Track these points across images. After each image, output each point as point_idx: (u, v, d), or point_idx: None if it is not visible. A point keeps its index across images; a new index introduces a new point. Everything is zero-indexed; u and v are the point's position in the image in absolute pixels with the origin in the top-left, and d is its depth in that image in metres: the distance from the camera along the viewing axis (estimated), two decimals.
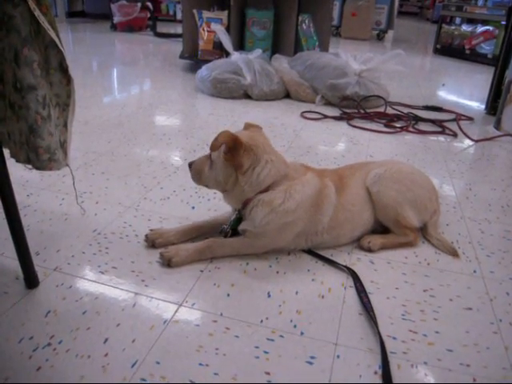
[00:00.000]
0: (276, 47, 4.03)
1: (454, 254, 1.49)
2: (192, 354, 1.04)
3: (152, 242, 1.42)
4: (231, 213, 1.48)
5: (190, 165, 1.46)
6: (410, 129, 2.84)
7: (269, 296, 1.25)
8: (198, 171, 1.43)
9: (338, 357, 1.05)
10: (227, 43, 3.54)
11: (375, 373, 1.01)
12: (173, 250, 1.35)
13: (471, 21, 6.40)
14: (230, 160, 1.32)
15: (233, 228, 1.44)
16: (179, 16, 7.73)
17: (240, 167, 1.32)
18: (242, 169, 1.32)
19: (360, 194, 1.50)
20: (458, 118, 3.07)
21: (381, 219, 1.53)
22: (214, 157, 1.37)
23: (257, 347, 1.07)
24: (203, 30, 3.98)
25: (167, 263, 1.33)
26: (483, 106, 3.45)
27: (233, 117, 2.93)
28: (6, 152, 1.09)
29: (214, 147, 1.30)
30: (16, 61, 0.95)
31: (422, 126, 2.91)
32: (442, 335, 1.14)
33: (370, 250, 1.47)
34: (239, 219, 1.42)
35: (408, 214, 1.49)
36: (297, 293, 1.27)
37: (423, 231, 1.58)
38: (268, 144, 1.40)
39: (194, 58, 4.16)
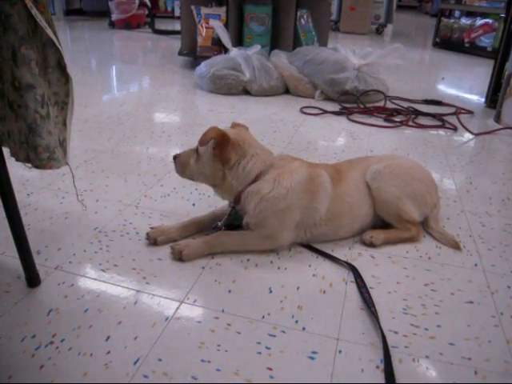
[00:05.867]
0: (275, 43, 4.01)
1: (456, 247, 1.49)
2: (194, 350, 1.04)
3: (154, 240, 1.42)
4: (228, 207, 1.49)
5: (175, 157, 1.47)
6: (410, 123, 2.84)
7: (270, 292, 1.25)
8: (184, 164, 1.45)
9: (340, 352, 1.06)
10: (226, 39, 3.53)
11: (377, 367, 1.02)
12: (183, 243, 1.37)
13: (470, 14, 6.38)
14: (218, 155, 1.35)
15: (228, 224, 1.45)
16: (177, 12, 7.72)
17: (227, 162, 1.36)
18: (230, 163, 1.36)
19: (358, 187, 1.50)
20: (458, 111, 3.07)
21: (382, 215, 1.53)
22: (202, 151, 1.39)
23: (259, 343, 1.07)
24: (201, 26, 3.96)
25: (178, 257, 1.34)
26: (483, 100, 3.44)
27: (232, 113, 2.93)
28: (6, 151, 1.09)
29: (202, 142, 1.35)
30: (14, 59, 0.95)
31: (422, 120, 2.91)
32: (444, 329, 1.14)
33: (372, 245, 1.47)
34: (234, 215, 1.44)
35: (409, 208, 1.49)
36: (298, 288, 1.27)
37: (424, 225, 1.58)
38: (254, 140, 1.45)
39: (193, 55, 4.15)
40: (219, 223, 1.46)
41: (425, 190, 1.55)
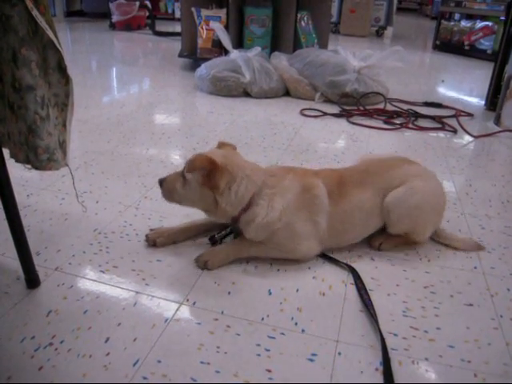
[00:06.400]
0: (275, 45, 4.02)
1: (479, 248, 1.49)
2: (193, 352, 1.04)
3: (153, 242, 1.42)
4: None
5: (161, 182, 1.39)
6: (410, 125, 2.84)
7: (270, 294, 1.25)
8: (171, 189, 1.37)
9: (339, 354, 1.06)
10: (226, 41, 3.53)
11: (376, 369, 1.01)
12: (207, 252, 1.35)
13: (470, 16, 6.38)
14: (206, 183, 1.28)
15: (224, 236, 1.45)
16: (178, 14, 7.72)
17: (217, 189, 1.28)
18: (219, 190, 1.29)
19: (365, 207, 1.41)
20: (458, 114, 3.07)
21: (392, 231, 1.46)
22: (189, 177, 1.31)
23: (258, 345, 1.07)
24: (202, 28, 3.97)
25: (203, 266, 1.33)
26: (483, 102, 3.44)
27: (232, 115, 2.93)
28: (6, 152, 1.09)
29: (190, 169, 1.28)
30: (14, 61, 0.95)
31: (422, 123, 2.91)
32: (443, 331, 1.14)
33: (379, 250, 1.47)
34: (235, 232, 1.43)
35: (424, 234, 1.47)
36: (297, 290, 1.27)
37: (436, 237, 1.53)
38: (242, 160, 1.38)
39: (193, 57, 4.15)
40: (216, 235, 1.45)
41: (440, 215, 1.51)
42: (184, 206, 1.40)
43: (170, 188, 1.37)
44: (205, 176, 1.27)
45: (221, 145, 1.45)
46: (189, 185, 1.32)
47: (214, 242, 1.45)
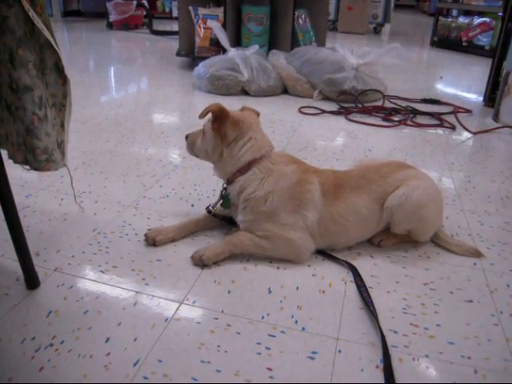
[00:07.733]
0: (273, 43, 4.01)
1: (478, 255, 1.45)
2: (194, 351, 1.04)
3: (152, 240, 1.42)
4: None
5: (187, 137, 1.54)
6: (408, 122, 2.84)
7: (269, 292, 1.25)
8: (192, 142, 1.51)
9: (340, 351, 1.06)
10: (224, 40, 3.53)
11: (377, 367, 1.02)
12: (202, 248, 1.37)
13: (468, 13, 6.39)
14: (216, 129, 1.38)
15: (221, 203, 1.50)
16: (175, 13, 7.71)
17: (225, 137, 1.38)
18: (227, 139, 1.38)
19: (359, 212, 1.40)
20: (456, 110, 3.07)
21: (396, 231, 1.45)
22: (206, 128, 1.44)
23: (258, 343, 1.07)
24: (199, 26, 3.97)
25: (200, 263, 1.34)
26: (481, 98, 3.45)
27: None
28: (4, 153, 1.09)
29: (201, 115, 1.39)
30: (11, 61, 0.95)
31: (420, 119, 2.91)
32: (443, 328, 1.14)
33: (379, 246, 1.47)
34: (226, 199, 1.46)
35: (425, 235, 1.47)
36: (297, 288, 1.27)
37: (436, 239, 1.51)
38: (256, 124, 1.45)
39: (191, 56, 4.15)
40: (211, 205, 1.51)
41: (440, 214, 1.51)
42: (201, 158, 1.51)
43: (192, 141, 1.51)
44: (215, 122, 1.38)
45: (244, 108, 1.53)
46: (205, 135, 1.44)
47: (209, 211, 1.50)
